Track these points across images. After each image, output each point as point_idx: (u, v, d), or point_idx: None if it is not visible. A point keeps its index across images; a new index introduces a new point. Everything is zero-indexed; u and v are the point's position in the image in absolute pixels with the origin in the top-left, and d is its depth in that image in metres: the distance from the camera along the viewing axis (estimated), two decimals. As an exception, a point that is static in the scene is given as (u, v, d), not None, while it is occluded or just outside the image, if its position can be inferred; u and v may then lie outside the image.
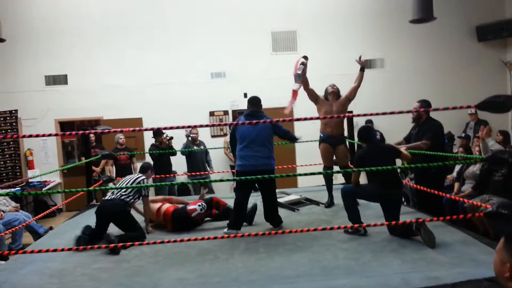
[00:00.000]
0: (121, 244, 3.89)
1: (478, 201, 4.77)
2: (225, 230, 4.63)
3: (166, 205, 5.08)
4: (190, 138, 7.97)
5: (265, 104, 9.28)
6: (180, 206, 5.15)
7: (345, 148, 5.66)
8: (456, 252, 3.56)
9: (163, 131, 7.44)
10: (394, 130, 9.20)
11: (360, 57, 5.41)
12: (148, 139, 8.83)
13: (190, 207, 4.95)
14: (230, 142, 5.00)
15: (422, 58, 9.91)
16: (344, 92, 5.49)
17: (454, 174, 6.50)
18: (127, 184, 4.79)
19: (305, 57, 5.22)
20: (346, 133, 6.55)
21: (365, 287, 3.04)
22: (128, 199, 4.67)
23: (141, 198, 4.84)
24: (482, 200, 4.91)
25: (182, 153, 7.81)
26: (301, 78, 5.17)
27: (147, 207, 4.90)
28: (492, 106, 3.46)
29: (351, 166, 6.14)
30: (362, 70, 5.42)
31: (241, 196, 4.67)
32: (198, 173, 7.57)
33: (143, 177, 4.94)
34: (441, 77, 9.86)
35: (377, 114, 3.98)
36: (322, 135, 5.58)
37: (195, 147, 7.85)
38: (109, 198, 4.71)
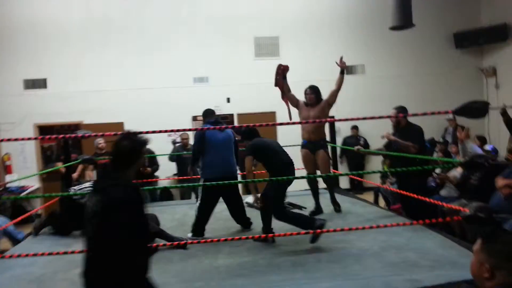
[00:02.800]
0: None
1: (456, 205, 4.87)
2: (189, 235, 4.61)
3: None
4: (176, 145, 7.88)
5: (248, 109, 9.47)
6: None
7: (324, 153, 5.47)
8: (435, 255, 3.64)
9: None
10: (377, 135, 9.37)
11: (341, 59, 5.27)
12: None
13: None
14: (197, 151, 4.80)
15: (402, 64, 10.11)
16: (324, 96, 5.46)
17: (434, 175, 6.61)
18: (85, 187, 5.08)
19: (281, 65, 5.45)
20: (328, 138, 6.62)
21: (347, 290, 3.07)
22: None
23: None
24: (460, 204, 5.01)
25: (170, 158, 7.74)
26: (276, 83, 5.49)
27: None
28: (469, 111, 3.57)
29: (334, 171, 6.21)
30: (342, 73, 5.30)
31: (211, 204, 4.68)
32: (186, 177, 7.47)
33: None
34: (421, 83, 10.08)
35: (358, 119, 4.06)
36: (302, 141, 5.55)
37: (185, 152, 7.75)
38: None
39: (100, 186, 2.23)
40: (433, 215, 5.60)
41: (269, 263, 3.71)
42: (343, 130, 9.69)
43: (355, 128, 9.69)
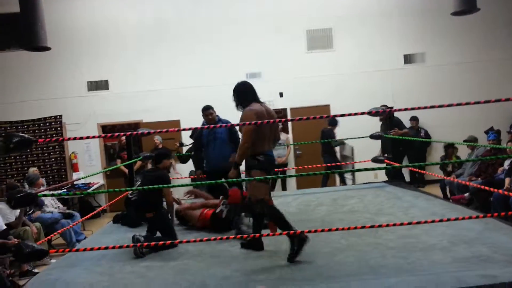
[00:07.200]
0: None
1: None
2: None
3: (205, 211, 5.10)
4: None
5: (301, 103, 9.37)
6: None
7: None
8: (510, 250, 3.41)
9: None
10: (439, 126, 8.97)
11: None
12: (186, 141, 8.97)
13: (217, 211, 4.93)
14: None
15: (466, 51, 9.55)
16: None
17: (505, 166, 6.21)
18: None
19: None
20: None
21: (416, 286, 2.94)
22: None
23: None
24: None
25: None
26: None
27: None
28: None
29: (393, 163, 5.97)
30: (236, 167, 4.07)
31: None
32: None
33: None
34: (485, 69, 9.48)
35: (417, 108, 3.87)
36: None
37: None
38: None
39: None
40: (502, 207, 5.29)
41: (331, 258, 3.63)
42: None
43: (414, 119, 9.28)
